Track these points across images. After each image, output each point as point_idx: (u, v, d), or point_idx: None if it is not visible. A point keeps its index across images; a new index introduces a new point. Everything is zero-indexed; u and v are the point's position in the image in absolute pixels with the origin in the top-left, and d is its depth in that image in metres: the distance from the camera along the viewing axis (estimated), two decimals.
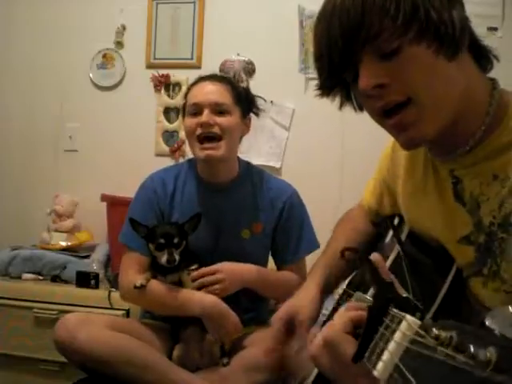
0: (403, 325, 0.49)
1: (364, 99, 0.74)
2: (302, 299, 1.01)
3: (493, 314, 0.40)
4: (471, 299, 0.79)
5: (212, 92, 1.48)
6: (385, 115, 0.72)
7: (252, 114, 1.61)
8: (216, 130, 1.45)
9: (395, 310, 0.52)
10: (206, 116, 1.45)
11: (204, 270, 1.44)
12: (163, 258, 1.39)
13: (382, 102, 0.71)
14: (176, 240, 1.40)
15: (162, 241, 1.40)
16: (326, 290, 1.05)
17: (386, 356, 0.50)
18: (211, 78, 1.53)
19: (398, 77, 0.69)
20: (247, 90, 1.62)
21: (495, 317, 0.39)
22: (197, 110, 1.47)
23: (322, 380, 0.89)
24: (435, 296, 0.76)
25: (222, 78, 1.54)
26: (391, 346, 0.49)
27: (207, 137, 1.46)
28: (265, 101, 1.65)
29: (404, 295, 0.58)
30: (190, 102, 1.50)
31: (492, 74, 0.80)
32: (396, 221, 1.01)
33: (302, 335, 0.95)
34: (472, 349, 0.37)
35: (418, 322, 0.47)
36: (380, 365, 0.50)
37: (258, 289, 1.53)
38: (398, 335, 0.49)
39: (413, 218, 0.93)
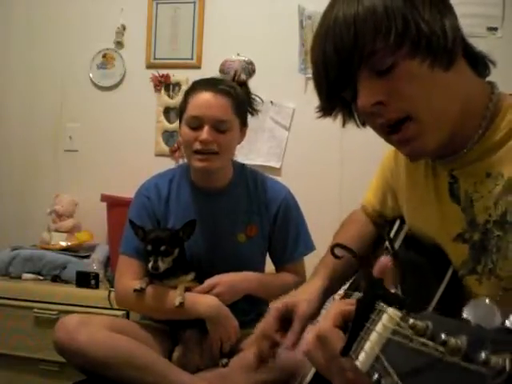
0: (384, 316, 0.50)
1: (365, 117, 0.75)
2: (304, 294, 0.99)
3: (470, 306, 0.40)
4: (468, 299, 0.79)
5: (215, 107, 1.42)
6: (389, 131, 0.73)
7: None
8: (215, 147, 1.43)
9: (381, 305, 0.53)
10: (206, 133, 1.41)
11: (202, 287, 1.44)
12: (149, 264, 1.40)
13: (383, 119, 0.72)
14: (163, 248, 1.40)
15: (149, 247, 1.41)
16: (330, 289, 1.03)
17: (367, 347, 0.50)
18: (213, 88, 1.45)
19: (395, 93, 0.69)
20: (247, 90, 1.57)
21: (472, 309, 0.40)
22: (197, 124, 1.43)
23: (319, 379, 0.89)
24: (432, 297, 0.76)
25: (224, 89, 1.46)
26: (372, 336, 0.50)
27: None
28: (262, 101, 1.62)
29: (392, 291, 0.58)
30: (190, 114, 1.45)
31: (492, 75, 0.80)
32: (397, 223, 1.01)
33: (296, 330, 0.94)
34: (443, 336, 0.37)
35: (399, 314, 0.48)
36: (362, 355, 0.51)
37: (258, 295, 1.53)
38: (379, 326, 0.50)
39: (412, 219, 0.93)
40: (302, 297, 0.98)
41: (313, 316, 0.95)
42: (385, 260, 0.65)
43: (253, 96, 1.58)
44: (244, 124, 1.53)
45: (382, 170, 1.07)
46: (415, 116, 0.70)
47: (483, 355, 0.34)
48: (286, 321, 0.96)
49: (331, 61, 0.71)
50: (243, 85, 1.57)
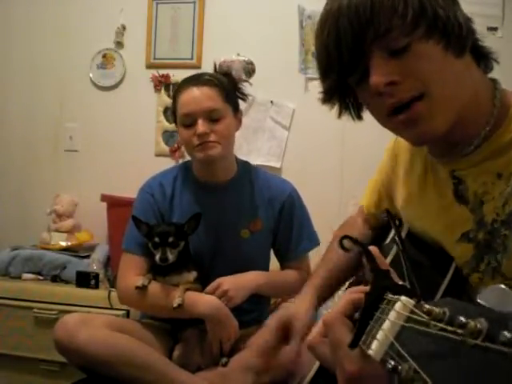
0: (398, 304, 0.49)
1: (374, 98, 0.73)
2: (299, 307, 1.00)
3: (485, 292, 0.40)
4: (473, 296, 0.79)
5: (202, 99, 1.44)
6: (394, 112, 0.72)
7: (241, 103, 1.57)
8: (212, 137, 1.44)
9: (391, 296, 0.53)
10: (201, 126, 1.42)
11: (207, 290, 1.44)
12: (156, 257, 1.41)
13: (394, 99, 0.70)
14: (171, 239, 1.41)
15: (156, 239, 1.41)
16: (323, 300, 1.05)
17: (380, 335, 0.50)
18: (197, 82, 1.47)
19: (409, 73, 0.69)
20: (231, 78, 1.56)
21: (487, 294, 0.40)
22: (190, 120, 1.44)
23: (320, 379, 0.89)
24: (434, 294, 0.76)
25: (208, 80, 1.47)
26: (386, 325, 0.50)
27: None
28: (250, 84, 1.62)
29: (400, 283, 0.58)
30: (182, 112, 1.46)
31: (492, 74, 0.80)
32: (397, 223, 1.01)
33: (294, 345, 0.94)
34: (462, 319, 0.37)
35: (413, 302, 0.48)
36: (375, 344, 0.50)
37: (265, 292, 1.54)
38: (392, 314, 0.49)
39: (411, 219, 0.93)
40: (298, 311, 0.99)
41: (308, 328, 0.96)
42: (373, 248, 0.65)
43: (238, 81, 1.58)
44: (236, 109, 1.53)
45: (379, 170, 1.07)
46: (428, 93, 0.69)
47: (506, 334, 0.33)
48: (285, 333, 0.97)
49: (345, 37, 0.69)
50: (226, 74, 1.57)
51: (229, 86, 1.52)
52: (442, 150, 0.81)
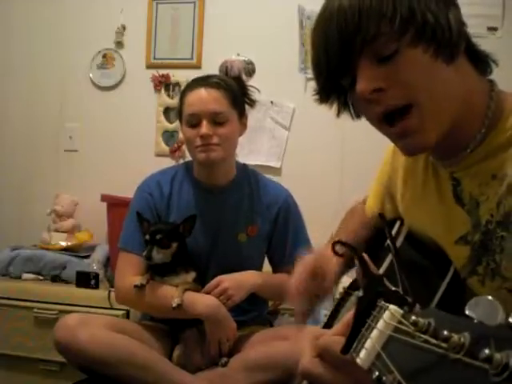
0: (386, 314, 0.49)
1: (363, 104, 0.73)
2: (327, 249, 0.96)
3: (473, 303, 0.40)
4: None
5: (209, 101, 1.45)
6: (387, 122, 0.72)
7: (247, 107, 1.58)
8: (215, 140, 1.45)
9: (383, 303, 0.53)
10: (205, 128, 1.43)
11: (207, 286, 1.44)
12: (143, 254, 1.41)
13: (382, 107, 0.70)
14: (158, 237, 1.41)
15: (147, 237, 1.42)
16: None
17: (368, 344, 0.50)
18: (206, 83, 1.48)
19: (396, 80, 0.68)
20: (241, 82, 1.57)
21: (475, 306, 0.40)
22: (195, 120, 1.45)
23: None
24: (433, 297, 0.76)
25: (217, 83, 1.49)
26: (374, 334, 0.50)
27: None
28: (258, 91, 1.62)
29: (393, 289, 0.58)
30: (187, 112, 1.47)
31: (492, 75, 0.79)
32: (397, 225, 1.01)
33: (328, 285, 0.93)
34: (446, 332, 0.37)
35: (401, 311, 0.48)
36: (363, 352, 0.51)
37: (262, 293, 1.53)
38: (380, 323, 0.50)
39: (412, 220, 0.93)
40: (327, 254, 0.95)
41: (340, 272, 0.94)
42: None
43: (248, 87, 1.58)
44: (242, 114, 1.54)
45: (380, 173, 1.07)
46: (416, 103, 0.68)
47: (487, 351, 0.33)
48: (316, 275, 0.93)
49: (333, 44, 0.70)
50: (237, 78, 1.58)
51: (237, 90, 1.52)
52: (441, 153, 0.81)
